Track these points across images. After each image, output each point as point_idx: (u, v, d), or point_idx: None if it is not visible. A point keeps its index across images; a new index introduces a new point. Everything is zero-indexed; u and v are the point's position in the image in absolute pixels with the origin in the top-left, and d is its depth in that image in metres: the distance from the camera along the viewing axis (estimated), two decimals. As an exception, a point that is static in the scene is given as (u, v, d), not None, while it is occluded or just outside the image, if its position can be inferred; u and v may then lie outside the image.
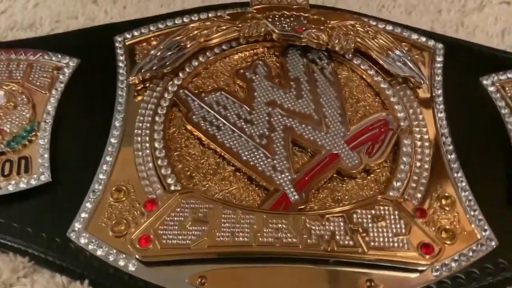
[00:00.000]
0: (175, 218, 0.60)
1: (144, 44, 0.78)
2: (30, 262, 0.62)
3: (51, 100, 0.72)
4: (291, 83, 0.74)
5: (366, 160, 0.67)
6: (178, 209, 0.61)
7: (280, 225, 0.59)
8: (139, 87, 0.73)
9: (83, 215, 0.62)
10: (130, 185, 0.64)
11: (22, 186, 0.65)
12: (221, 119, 0.70)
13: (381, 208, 0.61)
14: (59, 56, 0.76)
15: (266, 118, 0.71)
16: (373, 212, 0.61)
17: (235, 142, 0.68)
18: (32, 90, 0.73)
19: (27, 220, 0.63)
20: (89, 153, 0.68)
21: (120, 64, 0.75)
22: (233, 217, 0.60)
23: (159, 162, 0.66)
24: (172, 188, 0.64)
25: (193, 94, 0.72)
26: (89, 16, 0.86)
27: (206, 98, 0.72)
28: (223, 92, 0.73)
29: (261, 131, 0.69)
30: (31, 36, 0.83)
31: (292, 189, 0.64)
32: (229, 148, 0.68)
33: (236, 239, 0.58)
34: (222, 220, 0.60)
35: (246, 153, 0.67)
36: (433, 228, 0.61)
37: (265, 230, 0.59)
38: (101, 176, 0.65)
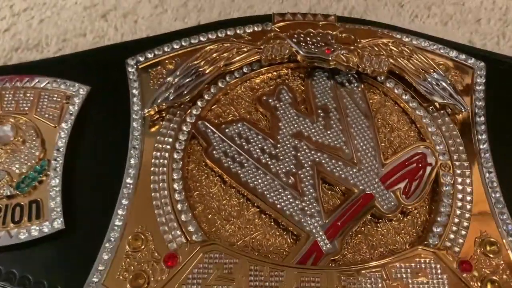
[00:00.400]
0: (198, 276, 0.55)
1: (159, 67, 0.72)
2: (46, 319, 0.59)
3: (61, 134, 0.67)
4: (319, 111, 0.68)
5: (403, 201, 0.62)
6: (201, 265, 0.56)
7: (313, 284, 0.55)
8: (155, 117, 0.68)
9: (99, 267, 0.58)
10: (148, 232, 0.60)
11: (34, 234, 0.61)
12: (244, 154, 0.65)
13: (422, 260, 0.57)
14: (68, 84, 0.71)
15: (293, 152, 0.65)
16: (412, 265, 0.56)
17: (259, 181, 0.63)
18: (41, 123, 0.68)
19: (42, 271, 0.60)
20: (103, 193, 0.63)
21: (134, 92, 0.70)
22: (261, 273, 0.55)
23: (179, 206, 0.61)
24: (194, 237, 0.59)
25: (213, 125, 0.67)
26: (98, 34, 0.80)
27: (227, 130, 0.67)
28: (245, 123, 0.67)
29: (287, 168, 0.64)
30: (37, 57, 0.79)
31: (323, 237, 0.59)
32: (253, 189, 0.63)
33: (265, 300, 0.54)
34: (250, 278, 0.55)
35: (272, 194, 0.62)
36: (478, 283, 0.56)
37: (296, 289, 0.55)
38: (116, 223, 0.61)
